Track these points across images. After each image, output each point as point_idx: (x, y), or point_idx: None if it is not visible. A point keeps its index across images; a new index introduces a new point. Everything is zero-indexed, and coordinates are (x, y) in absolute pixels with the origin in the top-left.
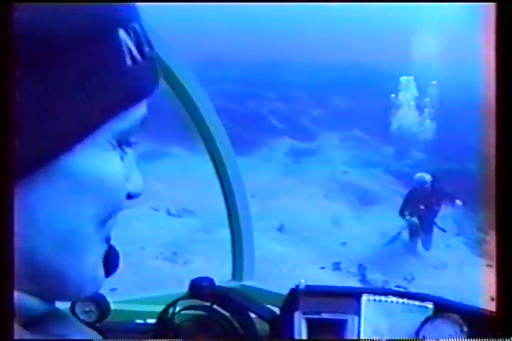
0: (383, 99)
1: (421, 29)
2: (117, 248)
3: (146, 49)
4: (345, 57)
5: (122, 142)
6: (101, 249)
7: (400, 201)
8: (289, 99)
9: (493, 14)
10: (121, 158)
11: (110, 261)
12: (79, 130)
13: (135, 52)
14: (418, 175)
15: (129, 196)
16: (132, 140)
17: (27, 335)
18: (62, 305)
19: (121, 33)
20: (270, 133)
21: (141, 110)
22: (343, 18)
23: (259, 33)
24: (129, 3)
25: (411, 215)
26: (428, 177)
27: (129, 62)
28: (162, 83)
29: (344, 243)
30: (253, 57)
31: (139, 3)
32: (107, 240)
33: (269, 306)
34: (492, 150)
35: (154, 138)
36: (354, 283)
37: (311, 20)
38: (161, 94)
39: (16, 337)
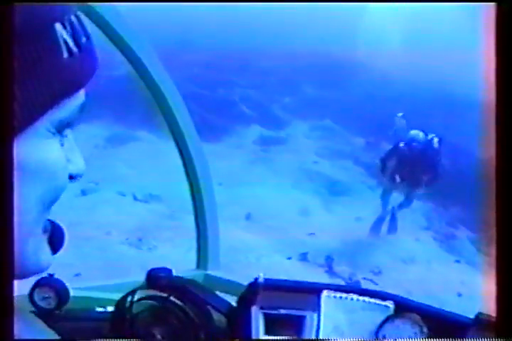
0: (356, 90)
1: (418, 28)
2: (61, 224)
3: (83, 40)
4: (320, 46)
5: (62, 128)
6: (45, 231)
7: (369, 193)
8: (260, 86)
9: (493, 14)
10: (62, 144)
11: (56, 239)
12: (20, 122)
13: (72, 44)
14: (412, 131)
15: (71, 177)
16: (71, 129)
17: None
18: (21, 292)
19: (58, 27)
20: (240, 120)
21: (79, 99)
22: (319, 5)
23: (230, 17)
24: None
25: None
26: (421, 136)
27: (65, 54)
28: (128, 66)
29: (312, 233)
30: (224, 42)
31: None
32: (50, 220)
33: (229, 298)
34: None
35: (122, 122)
36: (321, 274)
37: (284, 7)
38: (129, 77)
39: None
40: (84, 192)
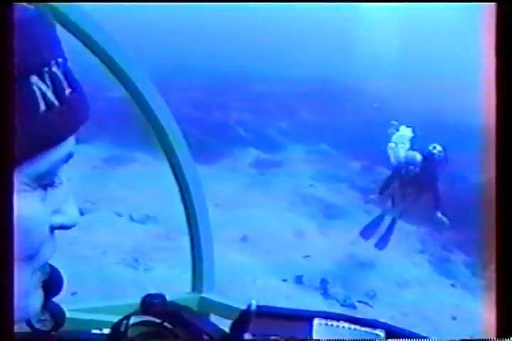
0: (352, 115)
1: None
2: (60, 270)
3: (67, 91)
4: (316, 70)
5: (42, 180)
6: (32, 281)
7: (364, 216)
8: (256, 110)
9: (493, 14)
10: (43, 198)
11: (53, 283)
12: None
13: (51, 97)
14: (409, 152)
15: (63, 227)
16: (57, 181)
17: None
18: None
19: (34, 80)
20: (236, 143)
21: (61, 151)
22: (315, 30)
23: (228, 42)
24: (52, 42)
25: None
26: (419, 158)
27: (42, 107)
28: (122, 89)
29: (307, 256)
30: (221, 67)
31: (104, 8)
32: (44, 268)
33: (223, 322)
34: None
35: (120, 143)
36: (316, 296)
37: (282, 32)
38: (125, 99)
39: None
40: (81, 212)
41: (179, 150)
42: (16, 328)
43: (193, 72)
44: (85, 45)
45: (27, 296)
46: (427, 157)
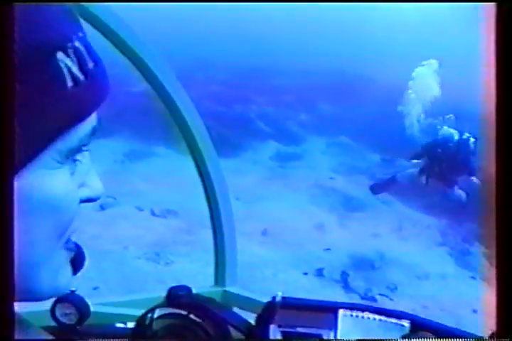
0: (371, 107)
1: (418, 29)
2: (83, 248)
3: (90, 65)
4: (335, 63)
5: (72, 154)
6: (62, 257)
7: (384, 209)
8: (276, 103)
9: (493, 14)
10: (72, 173)
11: (77, 260)
12: (24, 154)
13: (76, 72)
14: (444, 129)
15: (90, 200)
16: (84, 148)
17: None
18: (43, 307)
19: (60, 56)
20: (256, 136)
21: (87, 126)
22: (334, 23)
23: (248, 36)
24: (70, 18)
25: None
26: (456, 136)
27: (69, 83)
28: (145, 84)
29: (328, 249)
30: (241, 60)
31: (126, 3)
32: (69, 244)
33: (247, 315)
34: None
35: (140, 137)
36: (337, 289)
37: (301, 25)
38: (147, 94)
39: None
40: (102, 207)
41: (203, 144)
42: (40, 321)
43: (213, 66)
44: (109, 39)
45: (57, 274)
46: (462, 139)
